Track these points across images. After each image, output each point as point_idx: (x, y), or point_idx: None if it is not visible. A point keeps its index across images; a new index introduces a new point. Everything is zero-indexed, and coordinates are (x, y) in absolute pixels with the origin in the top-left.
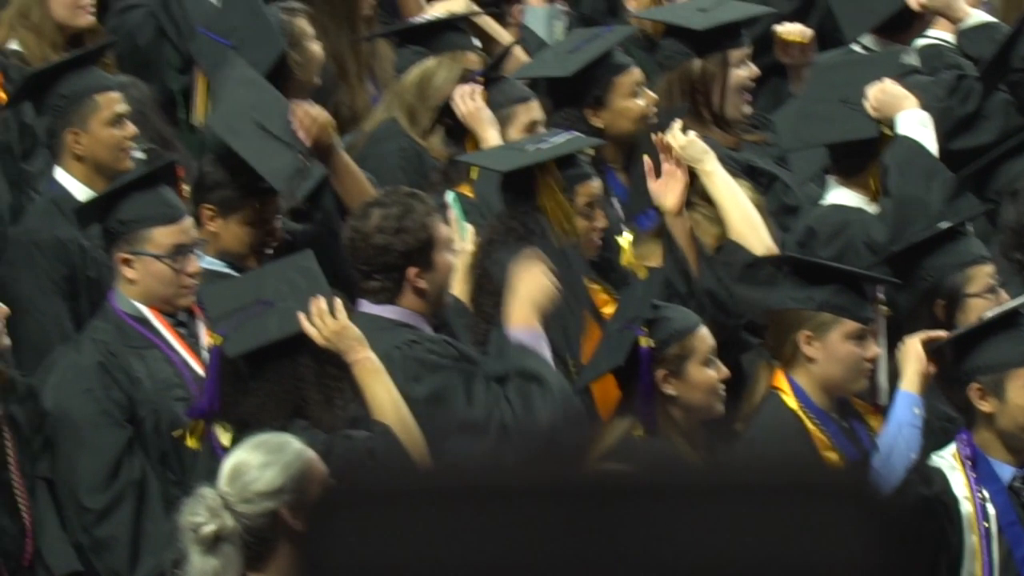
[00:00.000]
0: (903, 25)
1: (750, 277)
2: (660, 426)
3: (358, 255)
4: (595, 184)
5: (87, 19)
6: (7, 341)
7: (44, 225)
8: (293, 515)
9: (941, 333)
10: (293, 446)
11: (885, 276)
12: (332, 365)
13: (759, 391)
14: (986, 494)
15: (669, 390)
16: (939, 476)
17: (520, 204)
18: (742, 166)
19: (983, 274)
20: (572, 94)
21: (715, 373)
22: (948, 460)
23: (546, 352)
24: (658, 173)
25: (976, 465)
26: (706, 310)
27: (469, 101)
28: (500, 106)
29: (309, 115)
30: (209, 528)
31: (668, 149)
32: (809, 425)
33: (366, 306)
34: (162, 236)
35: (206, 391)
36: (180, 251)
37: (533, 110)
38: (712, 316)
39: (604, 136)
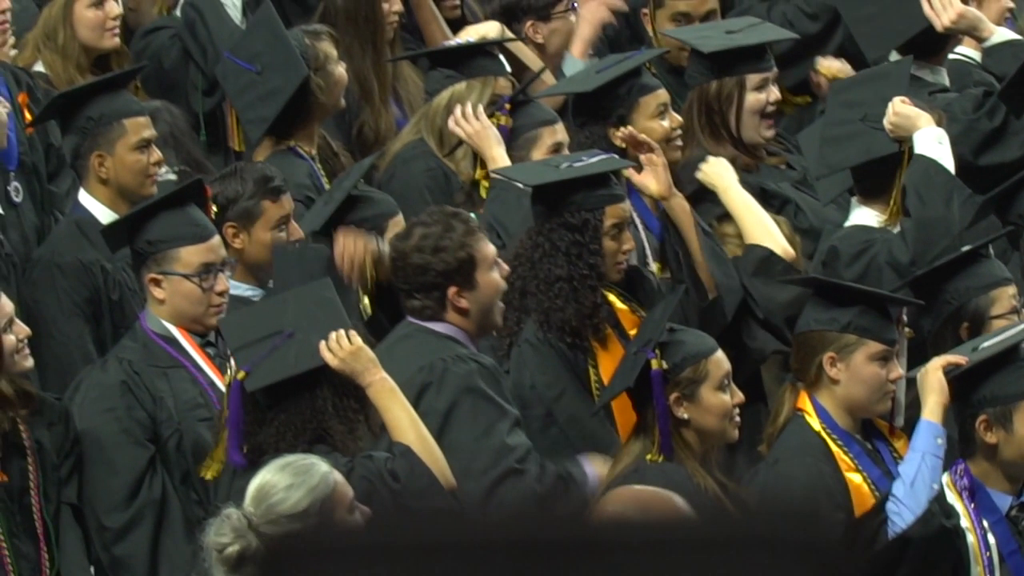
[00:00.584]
0: (935, 47)
1: (765, 270)
2: (675, 450)
3: (399, 274)
4: (624, 206)
5: (113, 41)
6: (30, 362)
7: (67, 248)
8: None
9: (960, 359)
10: (319, 468)
11: (909, 298)
12: (351, 397)
13: (783, 413)
14: (986, 524)
15: (682, 413)
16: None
17: (548, 220)
18: (754, 189)
19: (1006, 296)
20: (596, 112)
21: (729, 398)
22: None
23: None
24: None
25: (975, 495)
26: (699, 292)
27: (472, 121)
28: (526, 128)
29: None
30: (234, 548)
31: (636, 142)
32: (833, 447)
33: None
34: (190, 255)
35: (231, 432)
36: (208, 270)
37: (558, 132)
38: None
39: (626, 155)
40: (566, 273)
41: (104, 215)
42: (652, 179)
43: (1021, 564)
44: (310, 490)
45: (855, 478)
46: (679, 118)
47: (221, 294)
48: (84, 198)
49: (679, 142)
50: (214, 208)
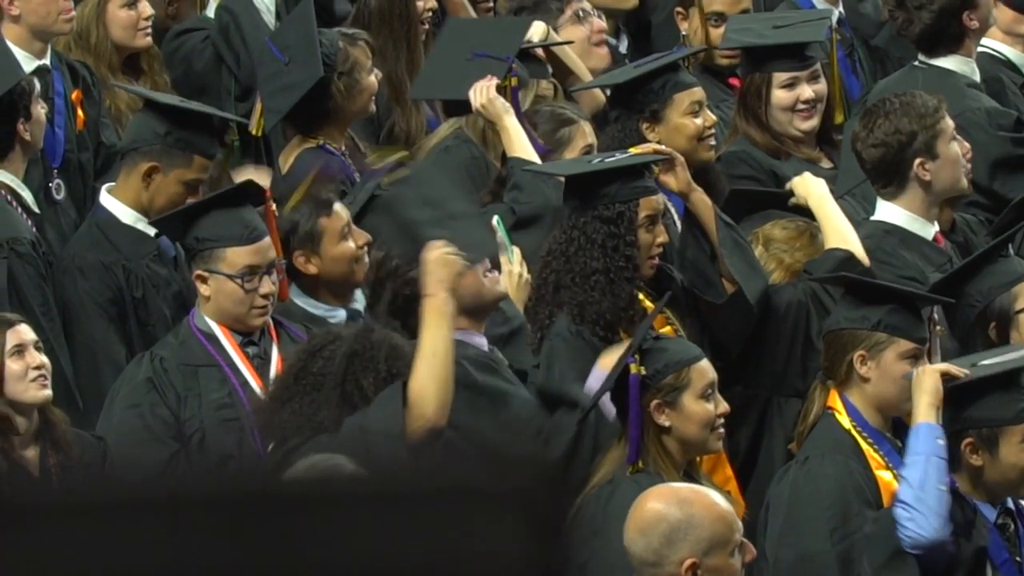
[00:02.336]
0: (952, 39)
1: (845, 270)
2: (653, 457)
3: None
4: (658, 199)
5: (145, 40)
6: (45, 394)
7: (88, 250)
8: None
9: (959, 372)
10: (344, 469)
11: (940, 296)
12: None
13: (814, 411)
14: None
15: (663, 421)
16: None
17: (582, 213)
18: (769, 174)
19: None
20: (630, 105)
21: (712, 407)
22: None
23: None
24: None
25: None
26: (696, 285)
27: (483, 93)
28: (557, 126)
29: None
30: None
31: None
32: (863, 444)
33: None
34: (236, 256)
35: None
36: (253, 272)
37: (589, 134)
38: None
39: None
40: (602, 266)
41: (126, 215)
42: (671, 176)
43: (1014, 570)
44: None
45: (885, 476)
46: (713, 117)
47: (266, 296)
48: (106, 199)
49: (712, 141)
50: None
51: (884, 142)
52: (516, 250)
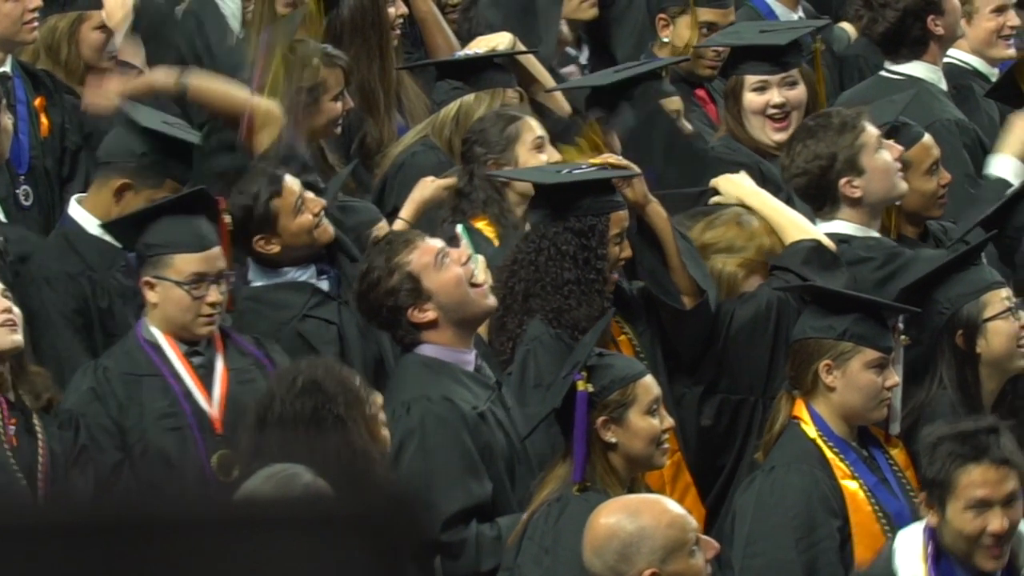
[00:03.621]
0: (916, 45)
1: (817, 260)
2: (599, 474)
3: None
4: (625, 214)
5: (111, 62)
6: (14, 339)
7: (54, 260)
8: None
9: None
10: (302, 479)
11: (906, 305)
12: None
13: (779, 420)
14: None
15: (610, 437)
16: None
17: (551, 224)
18: (754, 169)
19: (998, 299)
20: (611, 109)
21: (658, 423)
22: (916, 559)
23: None
24: None
25: (938, 563)
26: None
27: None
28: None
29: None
30: None
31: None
32: (829, 454)
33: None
34: (184, 263)
35: None
36: (201, 279)
37: (536, 127)
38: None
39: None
40: (574, 277)
41: (94, 227)
42: (629, 187)
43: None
44: None
45: (851, 485)
46: (690, 127)
47: (213, 305)
48: (74, 210)
49: None
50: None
51: (805, 170)
52: (480, 259)
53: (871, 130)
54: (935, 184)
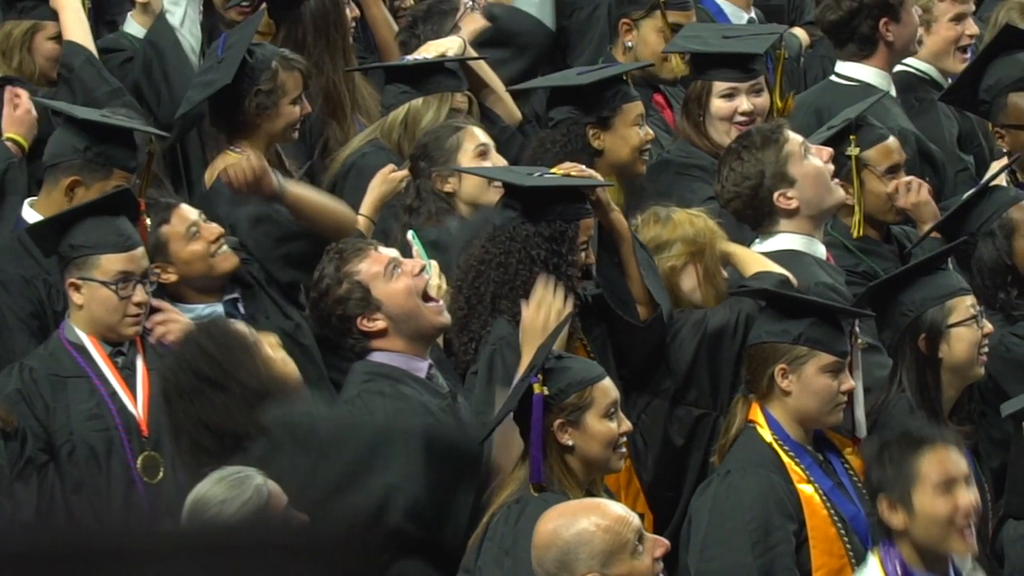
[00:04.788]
0: (863, 43)
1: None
2: (557, 476)
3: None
4: (591, 221)
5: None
6: None
7: (9, 264)
8: None
9: None
10: (253, 481)
11: (860, 310)
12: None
13: (735, 424)
14: None
15: (567, 440)
16: None
17: (521, 226)
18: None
19: (963, 305)
20: (583, 108)
21: (615, 426)
22: None
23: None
24: None
25: None
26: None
27: None
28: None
29: (243, 167)
30: None
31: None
32: (784, 458)
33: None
34: (110, 263)
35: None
36: (127, 279)
37: (479, 135)
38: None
39: (597, 166)
40: None
41: None
42: (592, 195)
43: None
44: (242, 504)
45: (807, 489)
46: (651, 132)
47: (139, 304)
48: (28, 213)
49: (647, 156)
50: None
51: (737, 193)
52: (434, 264)
53: (794, 139)
54: (892, 188)
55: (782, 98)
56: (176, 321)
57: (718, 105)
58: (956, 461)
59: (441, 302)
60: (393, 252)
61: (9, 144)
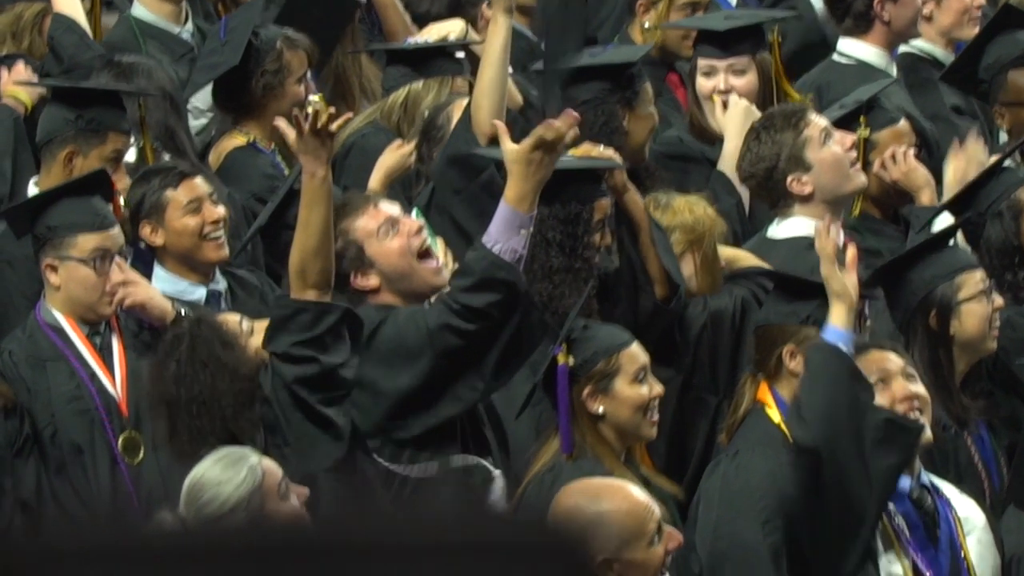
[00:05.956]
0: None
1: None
2: (590, 445)
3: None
4: (607, 202)
5: None
6: None
7: (15, 243)
8: None
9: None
10: (248, 461)
11: (867, 292)
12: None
13: (743, 404)
14: (895, 507)
15: (597, 408)
16: None
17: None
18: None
19: (973, 280)
20: (614, 87)
21: (646, 391)
22: None
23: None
24: None
25: None
26: (650, 297)
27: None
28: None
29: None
30: None
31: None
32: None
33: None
34: (87, 242)
35: None
36: (104, 256)
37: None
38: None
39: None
40: (562, 265)
41: None
42: (608, 176)
43: (924, 538)
44: (236, 486)
45: None
46: (655, 114)
47: (116, 284)
48: (33, 192)
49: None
50: (123, 204)
51: (752, 173)
52: (440, 241)
53: (816, 123)
54: (877, 165)
55: (785, 84)
56: (135, 283)
57: (700, 82)
58: (891, 359)
59: (439, 262)
60: (395, 209)
61: (10, 101)
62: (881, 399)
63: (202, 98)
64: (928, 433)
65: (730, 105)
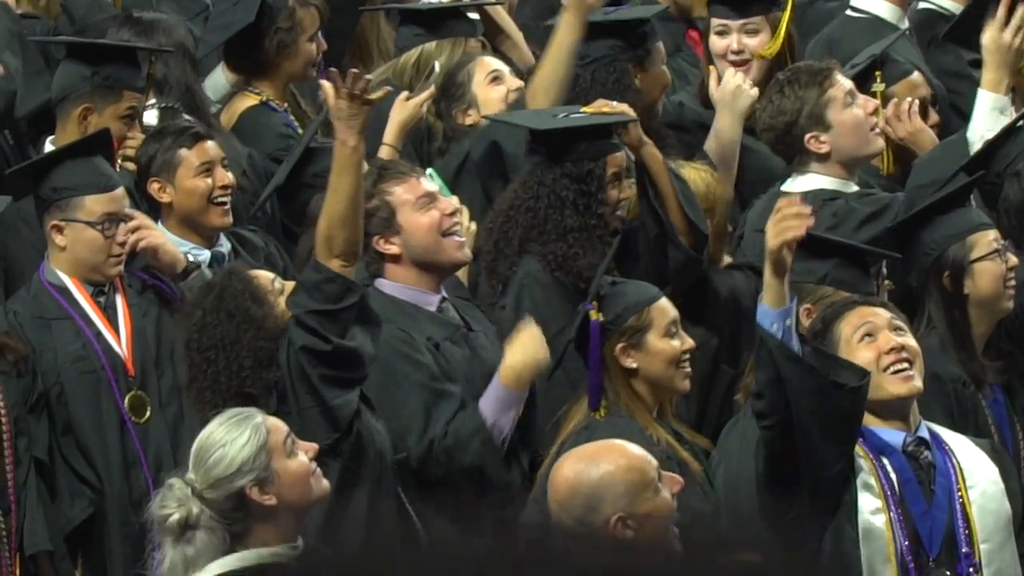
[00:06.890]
0: None
1: None
2: (624, 401)
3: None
4: (622, 155)
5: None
6: None
7: (31, 201)
8: (260, 491)
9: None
10: (252, 420)
11: (886, 251)
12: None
13: None
14: (885, 461)
15: (629, 363)
16: None
17: (548, 169)
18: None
19: (985, 240)
20: (627, 46)
21: (678, 344)
22: None
23: (511, 414)
24: None
25: (865, 438)
26: (680, 248)
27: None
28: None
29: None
30: (176, 517)
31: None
32: None
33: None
34: (94, 204)
35: None
36: (111, 219)
37: (490, 62)
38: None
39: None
40: (577, 224)
41: None
42: (624, 130)
43: (917, 491)
44: (241, 446)
45: None
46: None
47: (122, 244)
48: (49, 150)
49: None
50: (119, 162)
51: (771, 125)
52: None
53: (841, 84)
54: (882, 122)
55: (785, 43)
56: (149, 228)
57: (713, 41)
58: (878, 313)
59: (462, 238)
60: (433, 187)
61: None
62: (868, 352)
63: (211, 86)
64: (918, 383)
65: (723, 80)
